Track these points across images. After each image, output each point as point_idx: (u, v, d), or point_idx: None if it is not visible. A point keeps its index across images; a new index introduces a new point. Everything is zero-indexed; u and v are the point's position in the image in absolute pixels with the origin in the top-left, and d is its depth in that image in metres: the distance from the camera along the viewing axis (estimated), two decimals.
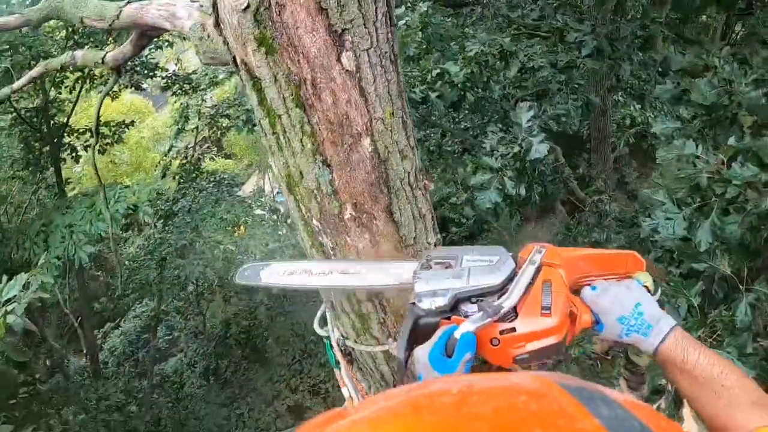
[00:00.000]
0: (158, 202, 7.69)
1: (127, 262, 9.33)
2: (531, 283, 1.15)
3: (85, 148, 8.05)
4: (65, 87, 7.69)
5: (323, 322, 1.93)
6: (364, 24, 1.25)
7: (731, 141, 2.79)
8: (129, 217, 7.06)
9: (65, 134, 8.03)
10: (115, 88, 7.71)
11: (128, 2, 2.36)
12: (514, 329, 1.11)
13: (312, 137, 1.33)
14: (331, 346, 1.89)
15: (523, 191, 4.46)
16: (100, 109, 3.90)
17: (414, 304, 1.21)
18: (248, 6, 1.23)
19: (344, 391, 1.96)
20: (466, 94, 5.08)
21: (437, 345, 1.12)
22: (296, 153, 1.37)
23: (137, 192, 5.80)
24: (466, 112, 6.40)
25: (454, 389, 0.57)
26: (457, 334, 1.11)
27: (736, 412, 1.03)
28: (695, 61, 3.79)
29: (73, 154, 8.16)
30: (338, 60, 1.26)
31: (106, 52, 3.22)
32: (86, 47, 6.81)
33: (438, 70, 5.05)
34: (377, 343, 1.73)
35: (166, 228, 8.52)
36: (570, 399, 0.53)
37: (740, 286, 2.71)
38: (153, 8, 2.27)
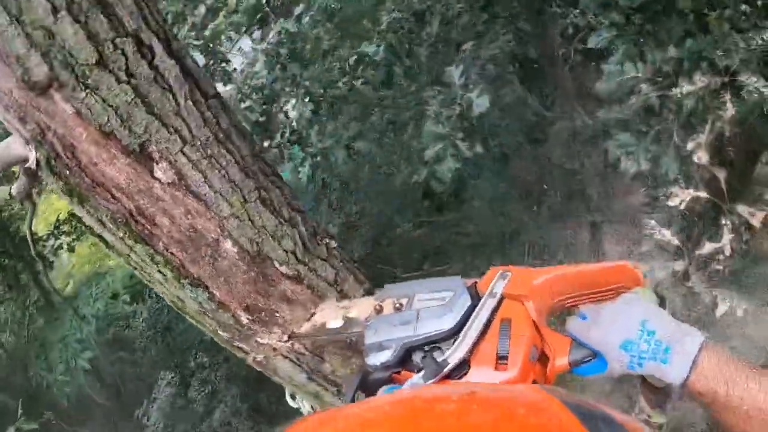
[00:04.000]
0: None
1: (139, 334, 9.19)
2: (488, 324, 0.98)
3: (54, 253, 7.84)
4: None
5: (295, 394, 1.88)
6: (163, 123, 1.09)
7: (671, 51, 2.54)
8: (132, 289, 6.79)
9: (32, 244, 7.79)
10: None
11: None
12: None
13: (167, 264, 1.17)
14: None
15: (480, 149, 4.29)
16: (32, 238, 3.74)
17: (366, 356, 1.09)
18: (38, 163, 1.08)
19: None
20: (393, 69, 4.83)
21: None
22: (163, 283, 1.22)
23: (111, 281, 5.66)
24: (401, 84, 6.07)
25: (454, 396, 0.57)
26: None
27: None
28: None
29: (47, 262, 7.94)
30: (153, 177, 1.10)
31: (10, 187, 3.07)
32: None
33: (355, 56, 4.80)
34: None
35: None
36: (569, 415, 0.52)
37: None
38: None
